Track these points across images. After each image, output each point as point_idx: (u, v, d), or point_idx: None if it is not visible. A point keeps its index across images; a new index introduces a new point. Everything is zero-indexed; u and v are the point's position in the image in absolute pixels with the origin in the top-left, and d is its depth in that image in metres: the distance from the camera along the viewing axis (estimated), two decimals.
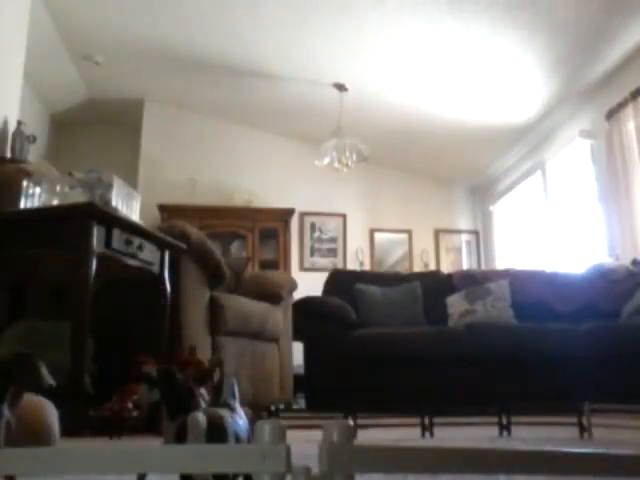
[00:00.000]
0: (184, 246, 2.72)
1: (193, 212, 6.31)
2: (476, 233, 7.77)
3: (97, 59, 5.83)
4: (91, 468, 0.58)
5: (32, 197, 2.39)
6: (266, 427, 0.56)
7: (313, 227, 7.19)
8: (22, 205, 2.37)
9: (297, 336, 3.84)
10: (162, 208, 6.32)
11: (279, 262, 6.63)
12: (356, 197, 7.33)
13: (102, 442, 2.06)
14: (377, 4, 4.58)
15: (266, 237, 6.73)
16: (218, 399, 0.99)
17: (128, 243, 2.40)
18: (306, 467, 0.56)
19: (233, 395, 1.00)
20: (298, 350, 3.91)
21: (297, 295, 3.94)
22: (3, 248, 2.30)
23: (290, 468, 0.55)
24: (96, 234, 2.22)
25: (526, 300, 4.28)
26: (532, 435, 2.31)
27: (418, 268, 7.11)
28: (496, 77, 5.44)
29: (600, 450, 0.59)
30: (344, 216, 7.25)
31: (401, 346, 3.88)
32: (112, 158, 6.44)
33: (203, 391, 0.99)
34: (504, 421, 2.27)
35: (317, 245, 7.18)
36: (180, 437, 0.85)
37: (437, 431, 2.26)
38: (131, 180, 5.96)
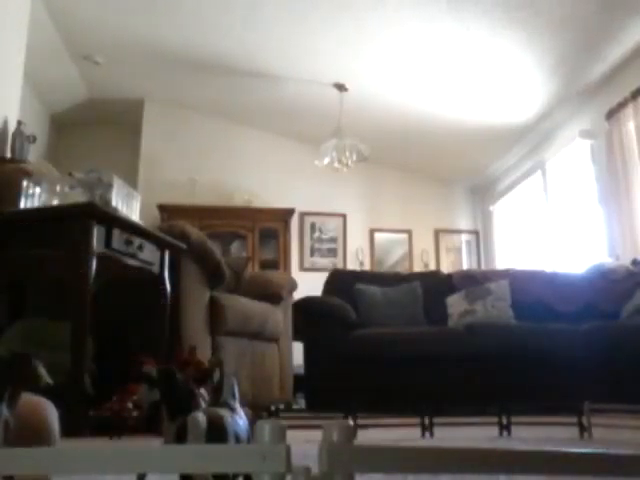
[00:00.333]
0: (184, 246, 2.72)
1: (193, 212, 6.31)
2: (476, 233, 7.77)
3: (97, 59, 5.83)
4: (91, 468, 0.58)
5: (32, 197, 2.39)
6: (266, 427, 0.56)
7: (313, 227, 7.19)
8: (22, 205, 2.37)
9: (297, 336, 3.84)
10: (162, 208, 6.32)
11: (279, 262, 6.63)
12: (356, 197, 7.33)
13: (102, 442, 2.06)
14: (377, 4, 4.58)
15: (266, 237, 6.73)
16: (218, 399, 0.99)
17: (128, 243, 2.40)
18: (306, 467, 0.56)
19: (233, 395, 1.00)
20: (298, 350, 3.91)
21: (297, 295, 3.95)
22: (3, 248, 2.30)
23: (290, 468, 0.55)
24: (96, 234, 2.22)
25: (526, 300, 4.28)
26: (532, 435, 2.31)
27: (418, 268, 7.11)
28: (496, 77, 5.44)
29: (600, 450, 0.59)
30: (344, 216, 7.25)
31: (401, 346, 3.88)
32: (112, 158, 6.43)
33: (203, 391, 0.99)
34: (504, 421, 2.28)
35: (317, 245, 7.18)
36: (180, 437, 0.85)
37: (437, 431, 2.26)
38: (131, 180, 5.96)
